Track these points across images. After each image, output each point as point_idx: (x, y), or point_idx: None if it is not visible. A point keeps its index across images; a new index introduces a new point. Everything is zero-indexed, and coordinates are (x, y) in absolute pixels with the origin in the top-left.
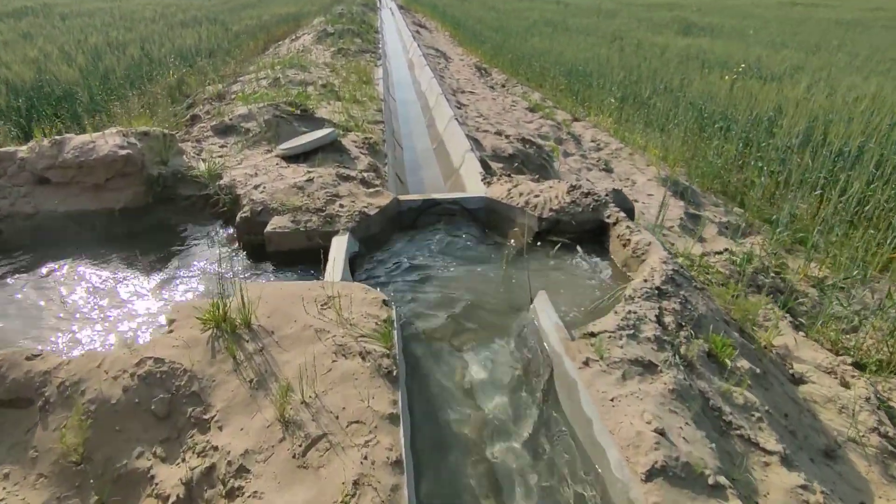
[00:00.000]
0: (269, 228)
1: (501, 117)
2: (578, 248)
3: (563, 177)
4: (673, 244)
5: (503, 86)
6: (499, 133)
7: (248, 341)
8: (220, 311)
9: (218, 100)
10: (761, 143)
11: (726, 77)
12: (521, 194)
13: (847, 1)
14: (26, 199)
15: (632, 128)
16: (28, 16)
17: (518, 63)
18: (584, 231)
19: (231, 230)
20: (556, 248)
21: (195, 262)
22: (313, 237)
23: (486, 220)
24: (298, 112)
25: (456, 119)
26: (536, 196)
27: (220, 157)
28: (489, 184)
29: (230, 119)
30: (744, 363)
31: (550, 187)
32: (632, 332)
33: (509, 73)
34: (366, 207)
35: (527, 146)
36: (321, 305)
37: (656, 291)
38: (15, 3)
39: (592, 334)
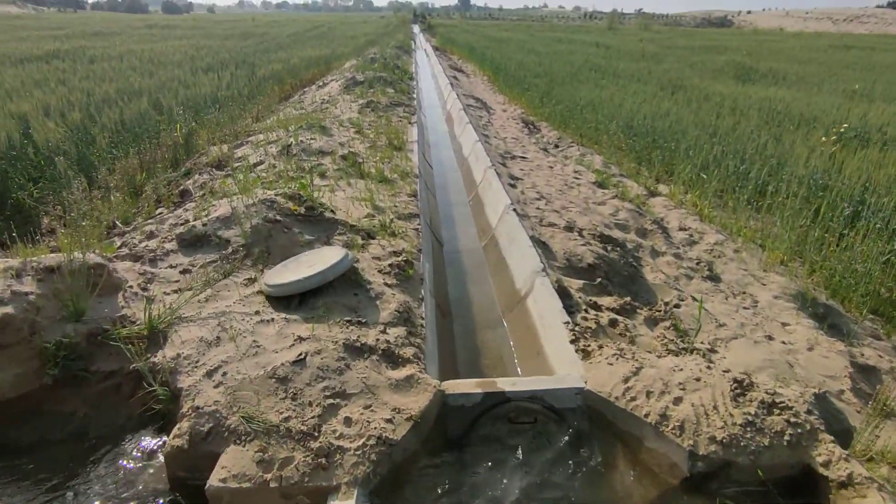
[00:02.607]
0: (215, 481)
1: (566, 198)
2: None
3: (658, 290)
4: (851, 427)
5: (556, 145)
6: (570, 228)
7: None
8: None
9: (218, 168)
10: None
11: (823, 138)
12: (649, 392)
13: None
14: None
15: (723, 205)
16: (58, 59)
17: (570, 116)
18: (772, 478)
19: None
20: None
21: None
22: (294, 496)
23: (589, 432)
24: (302, 211)
25: (514, 210)
26: (678, 400)
27: (176, 292)
28: (586, 353)
29: (204, 224)
30: None
31: (698, 380)
32: None
33: (560, 128)
34: (389, 423)
35: (609, 248)
36: None
37: None
38: (48, 45)
39: None
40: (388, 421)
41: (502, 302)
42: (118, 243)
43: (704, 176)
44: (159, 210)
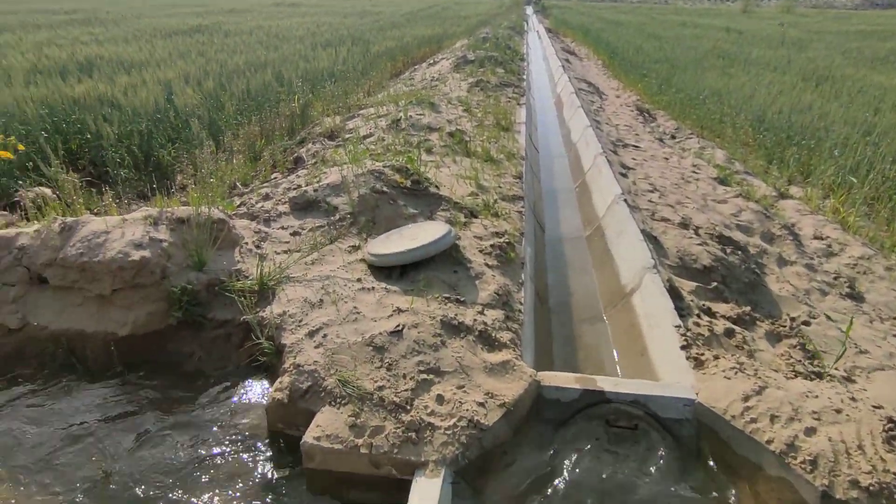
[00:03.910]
0: (309, 438)
1: (682, 192)
2: None
3: (784, 303)
4: None
5: (673, 136)
6: (684, 224)
7: None
8: None
9: (330, 138)
10: None
11: None
12: (774, 417)
13: None
14: (14, 305)
15: (874, 214)
16: (199, 33)
17: (690, 105)
18: None
19: (267, 399)
20: None
21: (192, 470)
22: (382, 464)
23: (696, 449)
24: (408, 184)
25: (625, 200)
26: (811, 431)
27: (286, 252)
28: (698, 361)
29: (315, 190)
30: None
31: (839, 412)
32: None
33: (679, 118)
34: (481, 407)
35: (728, 251)
36: None
37: None
38: (192, 21)
39: None
40: (481, 405)
41: (604, 296)
42: (237, 202)
43: (854, 180)
44: (274, 175)
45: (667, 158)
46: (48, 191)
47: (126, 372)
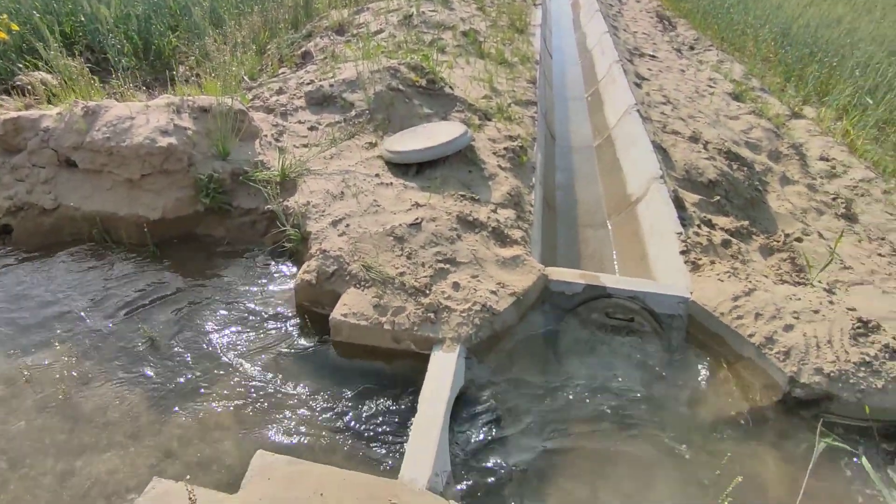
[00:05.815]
0: (337, 314)
1: (695, 106)
2: (865, 461)
3: (780, 220)
4: None
5: (692, 47)
6: (695, 139)
7: None
8: None
9: (338, 32)
10: None
11: None
12: (758, 314)
13: None
14: (46, 186)
15: (883, 139)
16: None
17: (713, 15)
18: (882, 420)
19: (293, 282)
20: (820, 450)
21: (228, 338)
22: (403, 340)
23: (685, 340)
24: (423, 83)
25: (638, 111)
26: (789, 328)
27: (305, 146)
28: (696, 265)
29: (331, 85)
30: None
31: (816, 312)
32: None
33: (700, 28)
34: (493, 294)
35: (734, 167)
36: None
37: None
38: None
39: None
40: (493, 293)
41: (609, 204)
42: (249, 96)
43: (870, 101)
44: (282, 69)
45: (683, 71)
46: (49, 76)
47: (159, 251)
